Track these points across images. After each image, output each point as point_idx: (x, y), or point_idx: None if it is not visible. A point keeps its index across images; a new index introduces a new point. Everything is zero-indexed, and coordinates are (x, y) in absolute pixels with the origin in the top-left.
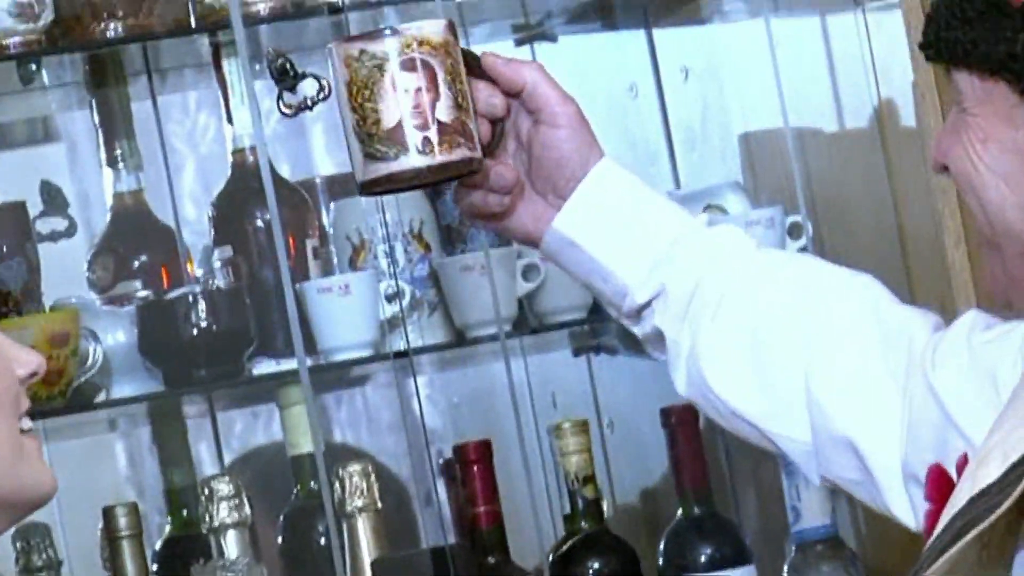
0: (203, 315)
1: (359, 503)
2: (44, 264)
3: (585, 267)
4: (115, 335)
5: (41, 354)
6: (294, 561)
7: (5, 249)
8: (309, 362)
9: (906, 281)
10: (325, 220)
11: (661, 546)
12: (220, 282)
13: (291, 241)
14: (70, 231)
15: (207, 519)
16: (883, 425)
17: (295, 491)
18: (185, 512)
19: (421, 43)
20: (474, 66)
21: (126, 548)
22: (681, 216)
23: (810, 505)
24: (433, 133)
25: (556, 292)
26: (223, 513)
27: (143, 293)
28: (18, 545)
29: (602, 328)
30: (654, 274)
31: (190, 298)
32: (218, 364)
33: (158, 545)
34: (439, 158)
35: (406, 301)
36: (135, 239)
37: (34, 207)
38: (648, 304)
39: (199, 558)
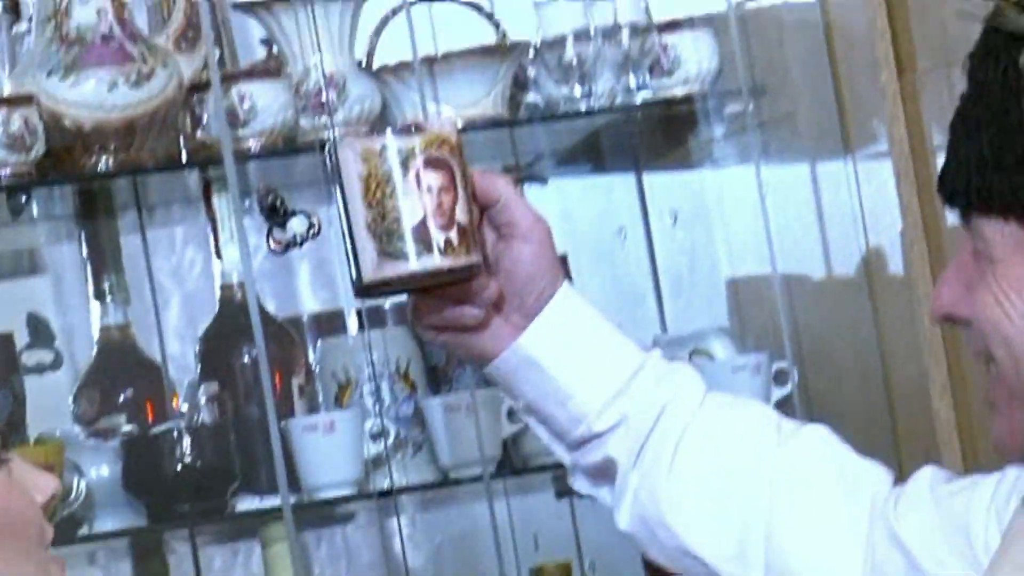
0: (188, 451)
1: None
2: (29, 396)
3: (541, 389)
4: (99, 469)
5: (54, 474)
6: None
7: None
8: (292, 499)
9: (891, 430)
10: (311, 357)
11: None
12: (205, 418)
13: (277, 378)
14: (56, 364)
15: None
16: (844, 573)
17: None
18: None
19: (443, 142)
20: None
21: None
22: (639, 350)
23: None
24: (455, 234)
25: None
26: None
27: (128, 427)
28: None
29: None
30: (616, 403)
31: (175, 433)
32: (202, 500)
33: None
34: (460, 260)
35: (391, 440)
36: (121, 373)
37: (20, 339)
38: (601, 434)
39: None
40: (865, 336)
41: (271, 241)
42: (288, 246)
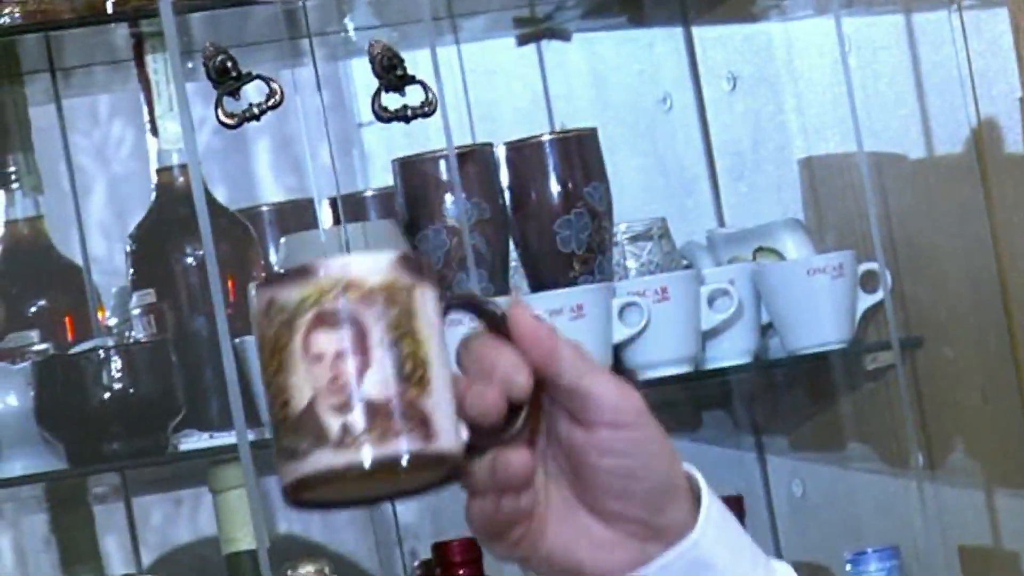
0: (117, 376)
1: None
2: None
3: None
4: (5, 398)
5: None
6: None
7: None
8: (251, 435)
9: (1009, 343)
10: (272, 258)
11: None
12: (139, 334)
13: (230, 284)
14: None
15: None
16: None
17: None
18: None
19: (347, 287)
20: (497, 323)
21: None
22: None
23: None
24: (357, 417)
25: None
26: None
27: (41, 347)
28: None
29: None
30: None
31: (101, 354)
32: (136, 437)
33: None
34: (364, 454)
35: None
36: (32, 279)
37: None
38: None
39: None
40: (975, 228)
41: (220, 112)
42: (243, 119)
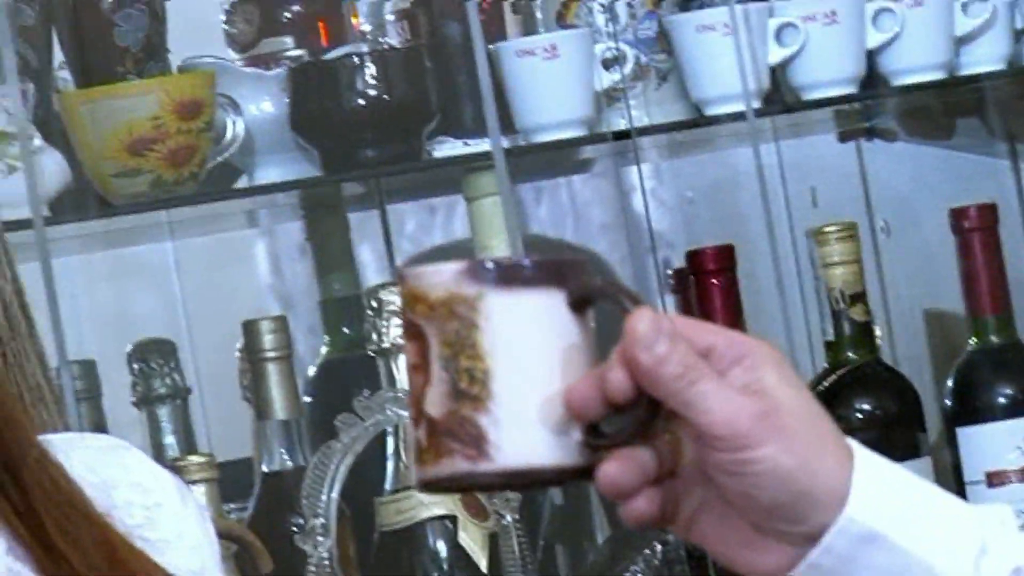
0: (372, 81)
1: None
2: (172, 15)
3: (890, 572)
4: (260, 105)
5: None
6: None
7: None
8: (505, 143)
9: None
10: None
11: (949, 383)
12: (393, 41)
13: None
14: None
15: (374, 339)
16: None
17: None
18: (346, 330)
19: (416, 299)
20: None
21: (272, 372)
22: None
23: None
24: (422, 433)
25: (818, 60)
26: (395, 332)
27: (296, 53)
28: (135, 367)
29: (876, 107)
30: (982, 564)
31: (355, 60)
32: (390, 143)
33: (311, 370)
34: (426, 472)
35: (628, 68)
36: None
37: None
38: None
39: (363, 387)
40: None
41: None
42: None
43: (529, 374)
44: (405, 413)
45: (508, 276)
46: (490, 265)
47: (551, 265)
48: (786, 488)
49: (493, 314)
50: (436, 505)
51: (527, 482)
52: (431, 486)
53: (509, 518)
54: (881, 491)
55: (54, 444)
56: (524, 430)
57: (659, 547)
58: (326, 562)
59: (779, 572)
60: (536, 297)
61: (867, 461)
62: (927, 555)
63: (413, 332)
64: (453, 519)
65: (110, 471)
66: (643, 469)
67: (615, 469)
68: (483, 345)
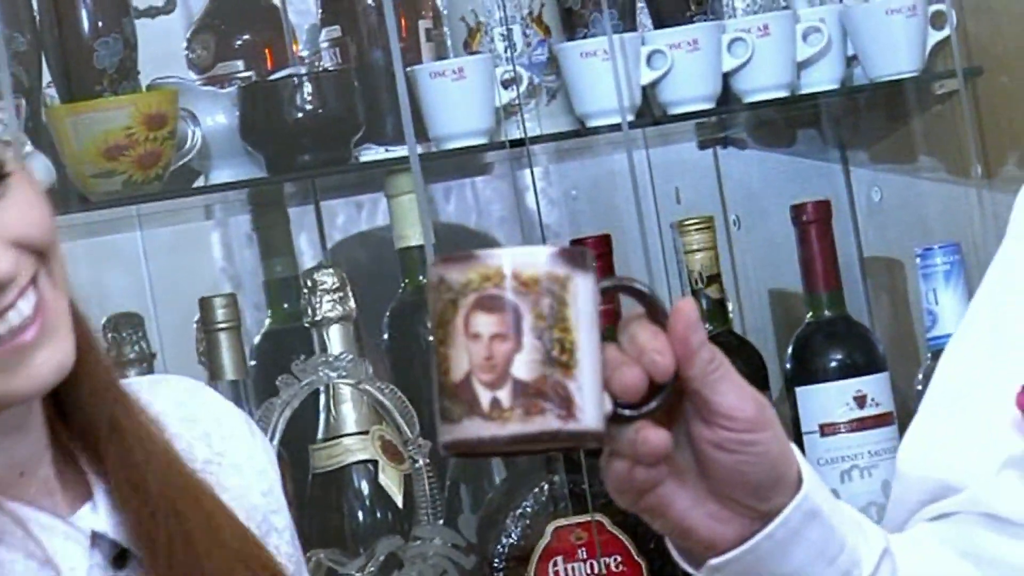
0: (309, 98)
1: None
2: (141, 41)
3: (817, 547)
4: (215, 117)
5: (8, 258)
6: (400, 358)
7: (100, 24)
8: (420, 149)
9: None
10: (439, 0)
11: (789, 350)
12: (327, 64)
13: (403, 21)
14: (168, 7)
15: (309, 312)
16: None
17: (402, 285)
18: (286, 305)
19: (506, 277)
20: (656, 311)
21: (224, 340)
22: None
23: (947, 310)
24: (506, 393)
25: (682, 81)
26: (326, 307)
27: (245, 73)
28: (109, 336)
29: (730, 120)
30: (871, 538)
31: (295, 80)
32: (324, 150)
33: (257, 339)
34: (509, 428)
35: (523, 87)
36: (238, 16)
37: None
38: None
39: (300, 353)
40: None
41: None
42: None
43: (595, 348)
44: (335, 374)
45: (586, 261)
46: (575, 251)
47: (591, 253)
48: (770, 470)
49: (578, 294)
50: (360, 451)
51: (586, 443)
52: (518, 440)
53: (421, 462)
54: (814, 476)
55: (143, 385)
56: (594, 398)
57: (547, 486)
58: None
59: (735, 542)
60: (591, 280)
61: (799, 453)
62: (843, 532)
63: (496, 305)
64: (375, 463)
65: (193, 407)
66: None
67: (662, 437)
68: (571, 319)
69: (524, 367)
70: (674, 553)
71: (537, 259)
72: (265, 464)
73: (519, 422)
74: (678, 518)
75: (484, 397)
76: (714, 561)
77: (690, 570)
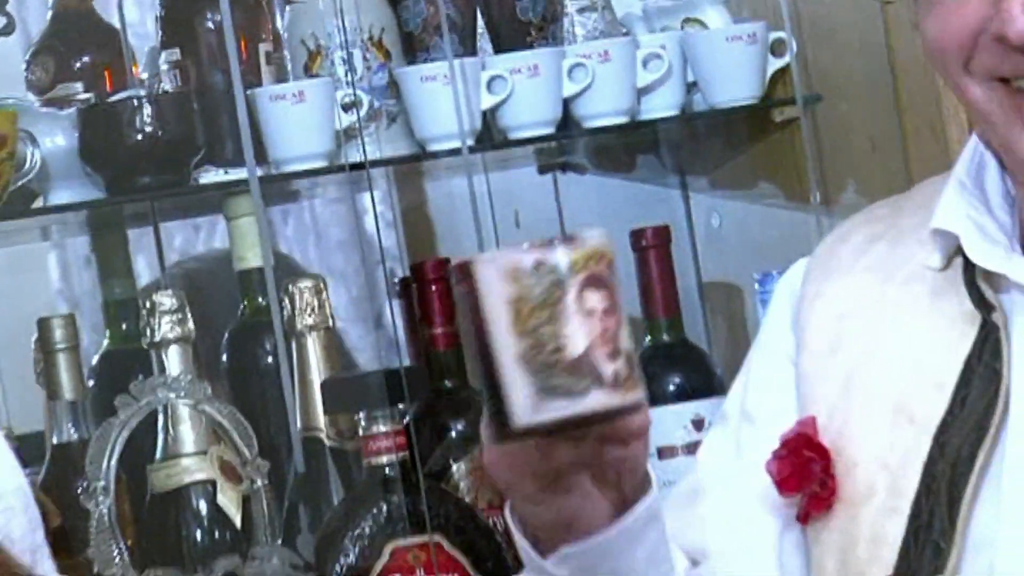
0: (148, 120)
1: (310, 321)
2: None
3: (651, 544)
4: (54, 139)
5: None
6: (239, 379)
7: None
8: (259, 172)
9: (895, 105)
10: (279, 23)
11: None
12: (167, 86)
13: (243, 44)
14: (8, 29)
15: (148, 334)
16: None
17: (242, 307)
18: (124, 326)
19: (602, 257)
20: None
21: (62, 361)
22: None
23: None
24: (622, 365)
25: (522, 106)
26: (165, 328)
27: (85, 96)
28: None
29: (570, 145)
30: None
31: (135, 102)
32: (163, 172)
33: (95, 360)
34: (630, 396)
35: (363, 111)
36: (77, 38)
37: None
38: None
39: (138, 374)
40: (868, 3)
41: None
42: None
43: None
44: (173, 395)
45: None
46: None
47: None
48: (645, 460)
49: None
50: (199, 471)
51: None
52: (634, 409)
53: (259, 482)
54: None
55: None
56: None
57: (385, 507)
58: (106, 519)
59: (600, 523)
60: None
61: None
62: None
63: (603, 282)
64: (213, 483)
65: None
66: None
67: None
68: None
69: (626, 340)
70: (523, 543)
71: (608, 240)
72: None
73: (633, 391)
74: (578, 500)
75: (607, 369)
76: (568, 549)
77: (537, 560)
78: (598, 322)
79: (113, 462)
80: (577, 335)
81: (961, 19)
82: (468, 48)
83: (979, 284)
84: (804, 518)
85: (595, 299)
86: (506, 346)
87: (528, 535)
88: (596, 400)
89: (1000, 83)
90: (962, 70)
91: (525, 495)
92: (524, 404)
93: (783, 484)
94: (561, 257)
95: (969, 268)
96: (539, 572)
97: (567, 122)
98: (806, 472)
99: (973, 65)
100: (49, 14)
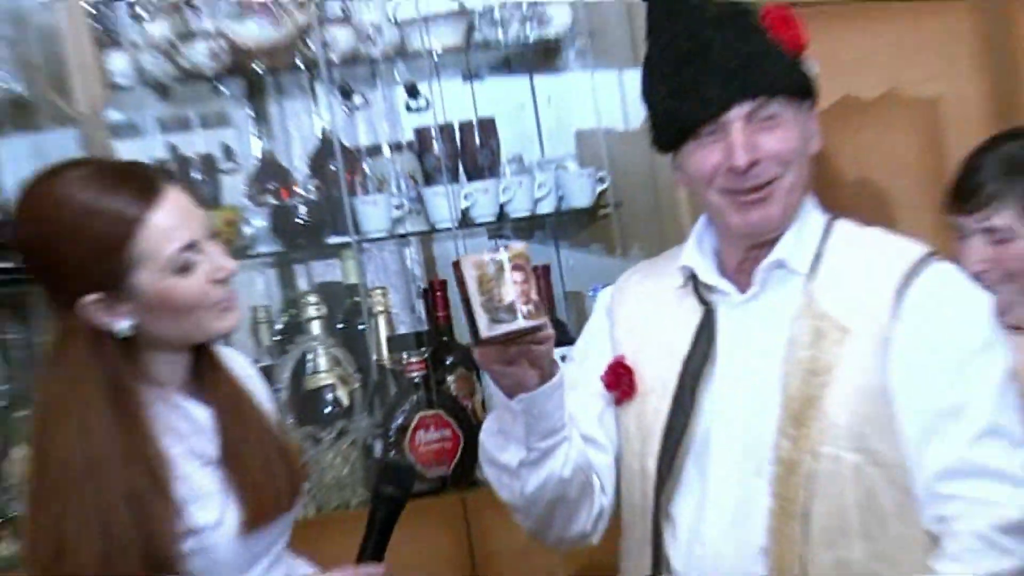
0: (303, 213)
1: (380, 308)
2: None
3: (557, 402)
4: (256, 221)
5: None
6: (348, 336)
7: None
8: (356, 237)
9: (655, 206)
10: (365, 166)
11: None
12: (312, 196)
13: (347, 175)
14: (232, 170)
15: (306, 313)
16: None
17: (347, 302)
18: (293, 311)
19: (521, 254)
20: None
21: (264, 329)
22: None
23: None
24: (532, 307)
25: (481, 207)
26: (311, 312)
27: (273, 201)
28: None
29: (504, 226)
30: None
31: (296, 205)
32: (310, 237)
33: (278, 325)
34: (535, 321)
35: (404, 210)
36: (271, 174)
37: None
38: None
39: (299, 332)
40: (647, 154)
41: None
42: None
43: None
44: (315, 343)
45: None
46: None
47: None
48: (552, 357)
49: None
50: (328, 378)
51: (545, 331)
52: (537, 328)
53: (356, 385)
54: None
55: (227, 353)
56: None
57: (414, 397)
58: (282, 402)
59: (534, 384)
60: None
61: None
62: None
63: (521, 267)
64: (333, 385)
65: (235, 358)
66: None
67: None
68: (535, 275)
69: (535, 295)
70: (498, 393)
71: (526, 248)
72: (261, 385)
73: (538, 319)
74: (522, 372)
75: (524, 309)
76: (521, 395)
77: (505, 400)
78: (520, 286)
79: (286, 374)
80: (510, 293)
81: (710, 161)
82: (454, 178)
83: (701, 292)
84: (618, 402)
85: (518, 276)
86: (475, 299)
87: (501, 389)
88: (519, 323)
89: (728, 192)
90: (708, 187)
91: (496, 371)
92: (484, 327)
93: (608, 384)
94: (502, 255)
95: (697, 285)
96: (506, 408)
97: (502, 215)
98: (620, 378)
99: (714, 184)
100: (259, 158)
